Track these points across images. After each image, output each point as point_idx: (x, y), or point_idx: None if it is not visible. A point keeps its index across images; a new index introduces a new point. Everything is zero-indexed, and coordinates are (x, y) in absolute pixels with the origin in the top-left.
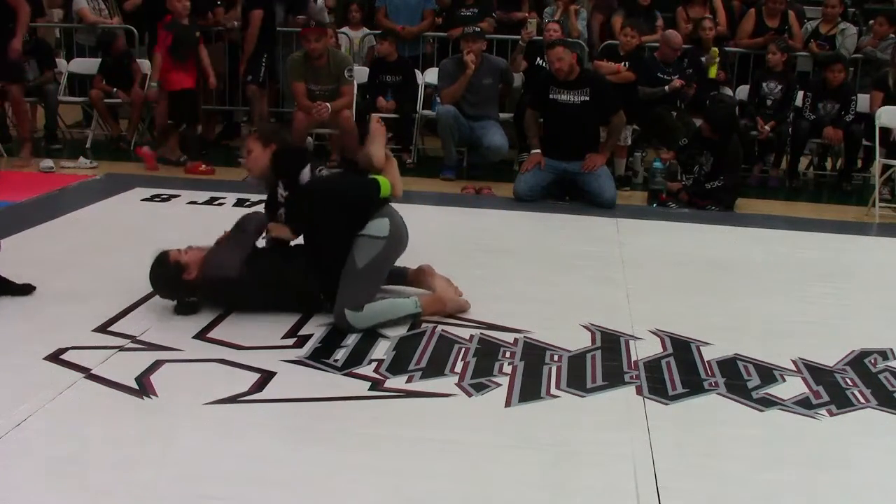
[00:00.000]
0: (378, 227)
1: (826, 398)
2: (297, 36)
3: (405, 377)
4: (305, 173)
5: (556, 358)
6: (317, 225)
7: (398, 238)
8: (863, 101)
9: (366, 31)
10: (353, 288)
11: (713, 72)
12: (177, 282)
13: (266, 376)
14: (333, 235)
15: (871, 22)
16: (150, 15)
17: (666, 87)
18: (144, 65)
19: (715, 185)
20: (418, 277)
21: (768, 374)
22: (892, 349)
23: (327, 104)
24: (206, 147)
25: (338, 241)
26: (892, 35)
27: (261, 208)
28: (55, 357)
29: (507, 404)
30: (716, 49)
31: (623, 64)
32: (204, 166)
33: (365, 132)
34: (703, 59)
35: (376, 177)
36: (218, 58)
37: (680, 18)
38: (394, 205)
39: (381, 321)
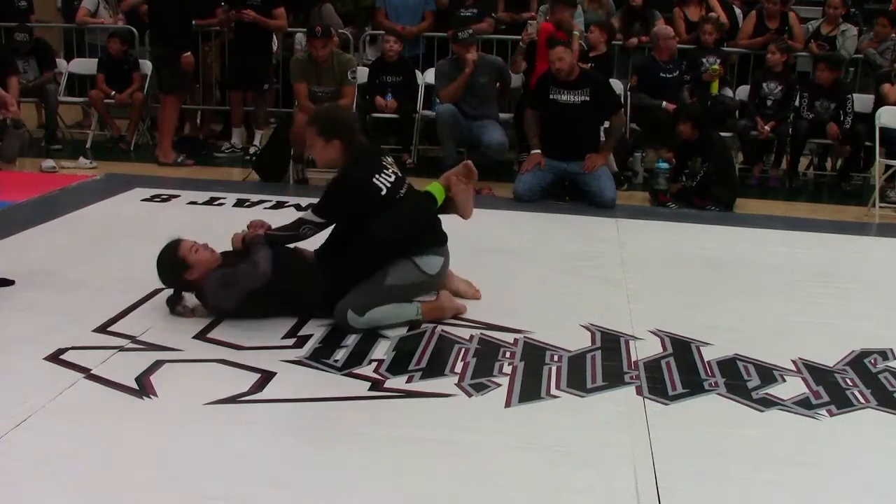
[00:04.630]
0: (431, 263)
1: (826, 398)
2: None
3: (405, 377)
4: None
5: (556, 358)
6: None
7: (440, 278)
8: (864, 101)
9: (366, 31)
10: (368, 296)
11: (715, 87)
12: (177, 276)
13: (266, 376)
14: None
15: (875, 21)
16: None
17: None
18: (145, 65)
19: (700, 176)
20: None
21: (768, 374)
22: (892, 349)
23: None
24: (205, 147)
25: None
26: (894, 36)
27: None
28: (55, 357)
29: (507, 404)
30: (716, 67)
31: (589, 64)
32: None
33: (365, 133)
34: (703, 71)
35: (430, 189)
36: (214, 57)
37: (678, 19)
38: None
39: (380, 325)
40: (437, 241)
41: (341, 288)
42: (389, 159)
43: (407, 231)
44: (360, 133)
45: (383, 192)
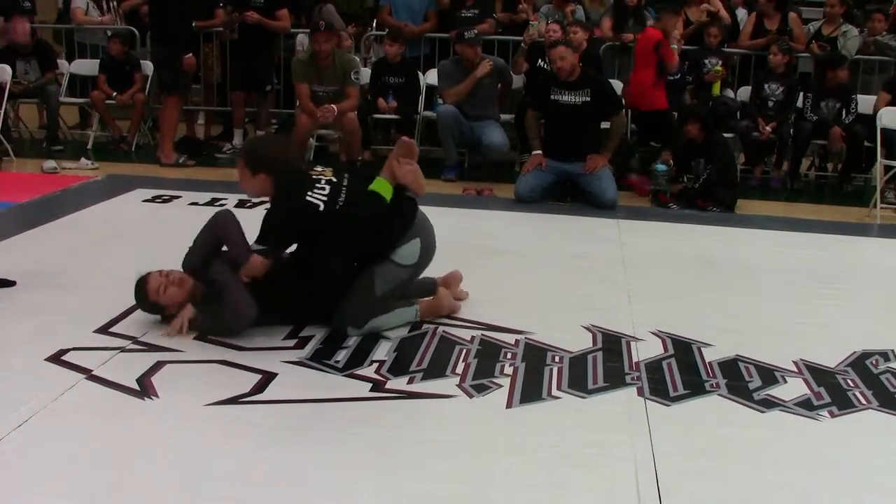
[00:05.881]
0: (408, 253)
1: (827, 399)
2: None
3: (406, 378)
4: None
5: (557, 359)
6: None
7: (426, 258)
8: (864, 101)
9: (368, 31)
10: (363, 310)
11: (716, 88)
12: (159, 314)
13: (267, 377)
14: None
15: (871, 17)
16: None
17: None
18: (147, 66)
19: (703, 177)
20: (447, 282)
21: (769, 375)
22: (893, 350)
23: (333, 106)
24: (207, 148)
25: (351, 270)
26: (885, 33)
27: (260, 210)
28: (56, 358)
29: (509, 405)
30: (719, 68)
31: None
32: None
33: (367, 134)
34: (705, 72)
35: (373, 187)
36: (215, 58)
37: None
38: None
39: (381, 330)
40: (405, 226)
41: (321, 302)
42: (319, 168)
43: (355, 250)
44: (292, 162)
45: (321, 208)
